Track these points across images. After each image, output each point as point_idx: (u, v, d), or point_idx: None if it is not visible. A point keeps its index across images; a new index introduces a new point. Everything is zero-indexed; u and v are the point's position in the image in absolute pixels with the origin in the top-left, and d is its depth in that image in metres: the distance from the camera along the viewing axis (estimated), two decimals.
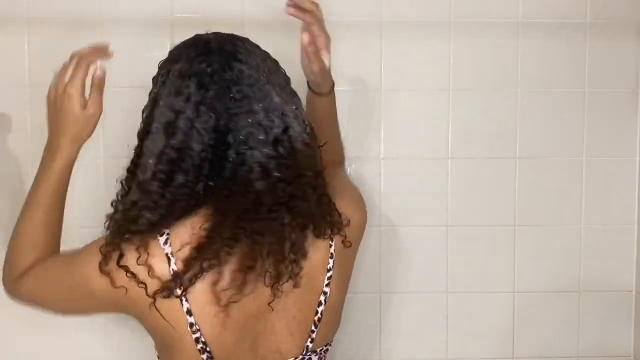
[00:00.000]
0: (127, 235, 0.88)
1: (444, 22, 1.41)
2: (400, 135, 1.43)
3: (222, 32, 0.99)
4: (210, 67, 0.91)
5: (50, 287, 0.97)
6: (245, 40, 0.98)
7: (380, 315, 1.46)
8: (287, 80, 0.99)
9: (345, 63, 1.40)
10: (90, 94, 0.99)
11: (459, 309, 1.47)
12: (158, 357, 1.00)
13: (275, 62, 1.00)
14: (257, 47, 0.99)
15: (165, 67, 0.96)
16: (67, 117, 0.98)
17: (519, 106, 1.44)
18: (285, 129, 0.91)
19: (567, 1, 1.42)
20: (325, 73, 1.12)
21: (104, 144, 1.38)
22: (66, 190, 1.01)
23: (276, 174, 0.89)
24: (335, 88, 1.37)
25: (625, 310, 1.49)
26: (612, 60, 1.44)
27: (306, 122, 0.96)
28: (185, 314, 0.88)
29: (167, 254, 0.88)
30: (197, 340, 0.90)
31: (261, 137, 0.89)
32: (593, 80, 1.44)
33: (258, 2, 1.38)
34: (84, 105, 0.99)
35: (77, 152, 1.01)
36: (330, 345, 1.05)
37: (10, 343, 1.41)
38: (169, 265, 0.87)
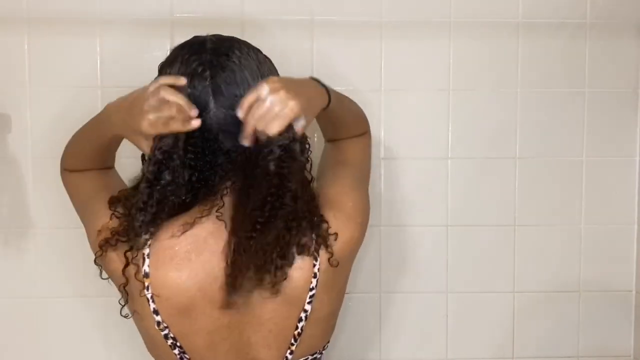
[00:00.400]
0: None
1: (444, 22, 1.41)
2: (400, 135, 1.43)
3: (223, 34, 0.99)
4: (202, 67, 0.91)
5: (75, 196, 1.09)
6: (243, 43, 0.98)
7: (380, 315, 1.46)
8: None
9: (345, 63, 1.40)
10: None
11: (459, 309, 1.46)
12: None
13: (273, 68, 0.99)
14: (256, 50, 0.99)
15: (163, 69, 0.97)
16: (127, 116, 0.93)
17: (519, 106, 1.44)
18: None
19: (567, 1, 1.42)
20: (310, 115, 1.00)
21: None
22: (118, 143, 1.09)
23: (249, 180, 0.89)
24: (336, 88, 1.37)
25: (625, 310, 1.49)
26: (612, 60, 1.44)
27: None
28: (152, 313, 0.92)
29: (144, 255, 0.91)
30: (166, 336, 0.93)
31: None
32: (593, 80, 1.44)
33: (258, 2, 1.38)
34: (146, 126, 0.90)
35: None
36: (321, 352, 1.03)
37: (11, 343, 1.41)
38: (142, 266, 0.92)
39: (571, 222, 1.46)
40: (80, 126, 1.11)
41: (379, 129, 1.42)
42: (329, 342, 1.05)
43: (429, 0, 1.40)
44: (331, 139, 1.16)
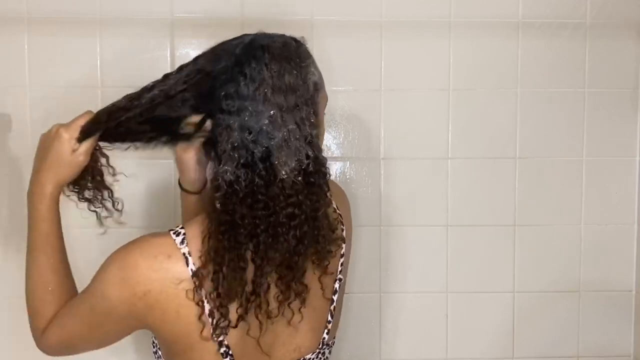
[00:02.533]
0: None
1: (444, 22, 1.41)
2: (400, 135, 1.43)
3: (272, 33, 0.92)
4: (214, 72, 0.88)
5: (76, 325, 0.95)
6: (276, 49, 0.88)
7: (380, 315, 1.46)
8: (302, 102, 0.87)
9: (345, 63, 1.40)
10: (82, 142, 0.94)
11: (459, 309, 1.47)
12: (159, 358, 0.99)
13: (298, 82, 0.88)
14: (288, 59, 0.88)
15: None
16: (53, 157, 0.93)
17: (519, 106, 1.44)
18: (268, 155, 0.85)
19: (567, 1, 1.42)
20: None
21: None
22: (60, 231, 0.98)
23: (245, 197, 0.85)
24: (336, 88, 1.38)
25: (625, 310, 1.49)
26: (612, 60, 1.44)
27: (310, 152, 0.87)
28: (207, 316, 0.87)
29: (184, 254, 0.86)
30: (220, 343, 0.88)
31: (234, 154, 0.85)
32: (593, 80, 1.44)
33: (258, 2, 1.38)
34: (74, 150, 0.93)
35: (59, 193, 0.96)
36: (333, 344, 1.06)
37: (11, 343, 1.41)
38: (187, 266, 0.86)
39: (571, 222, 1.46)
40: None
41: (379, 129, 1.42)
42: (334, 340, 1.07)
43: (429, 0, 1.40)
44: None
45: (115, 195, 0.98)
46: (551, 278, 1.47)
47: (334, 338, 1.05)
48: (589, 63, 1.43)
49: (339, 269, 1.00)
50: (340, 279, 1.00)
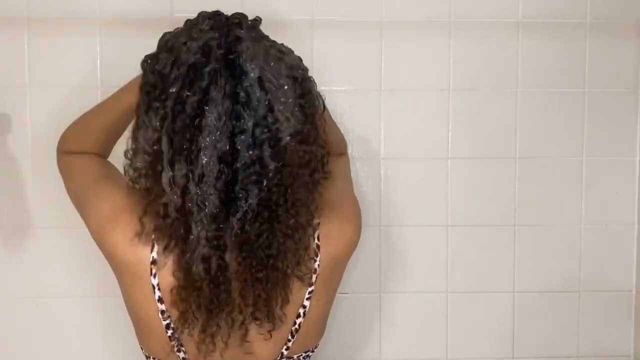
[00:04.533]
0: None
1: (444, 22, 1.41)
2: (400, 135, 1.43)
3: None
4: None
5: (74, 180, 1.05)
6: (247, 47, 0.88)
7: (380, 315, 1.46)
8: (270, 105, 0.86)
9: (345, 63, 1.40)
10: None
11: (459, 309, 1.47)
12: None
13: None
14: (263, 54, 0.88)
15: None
16: None
17: (519, 106, 1.44)
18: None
19: (567, 1, 1.42)
20: None
21: None
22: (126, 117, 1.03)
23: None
24: (336, 88, 1.38)
25: (625, 310, 1.49)
26: (612, 60, 1.44)
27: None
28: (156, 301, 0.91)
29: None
30: (167, 326, 0.92)
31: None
32: (593, 80, 1.44)
33: (258, 2, 1.38)
34: None
35: None
36: (312, 351, 1.03)
37: (11, 343, 1.41)
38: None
39: (571, 222, 1.46)
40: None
41: (379, 129, 1.42)
42: (318, 344, 1.05)
43: (429, 0, 1.40)
44: None
45: None
46: (551, 278, 1.47)
47: (311, 351, 1.03)
48: (589, 63, 1.43)
49: (306, 295, 0.95)
50: (304, 306, 0.95)
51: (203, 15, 0.91)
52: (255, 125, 0.84)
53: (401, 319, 1.46)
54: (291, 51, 0.92)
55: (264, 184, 0.84)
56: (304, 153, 0.88)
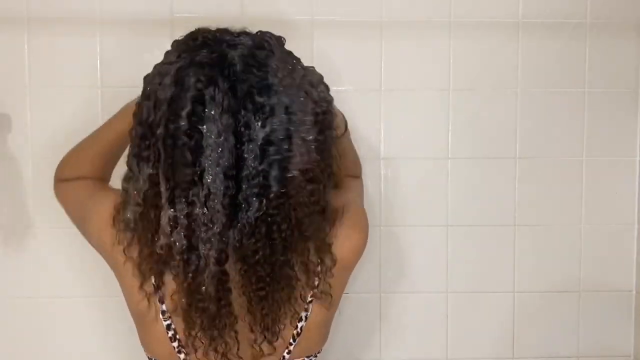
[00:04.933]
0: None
1: (444, 22, 1.41)
2: (400, 135, 1.43)
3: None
4: None
5: (72, 202, 1.07)
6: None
7: (380, 315, 1.46)
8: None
9: (345, 63, 1.40)
10: None
11: (459, 309, 1.47)
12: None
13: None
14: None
15: None
16: None
17: (519, 106, 1.44)
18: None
19: (567, 1, 1.42)
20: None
21: None
22: (121, 143, 1.05)
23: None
24: (336, 88, 1.37)
25: (625, 310, 1.49)
26: (612, 60, 1.44)
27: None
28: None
29: None
30: (168, 327, 0.92)
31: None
32: (593, 80, 1.44)
33: (258, 2, 1.38)
34: None
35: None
36: (315, 356, 1.03)
37: (11, 343, 1.41)
38: None
39: (571, 222, 1.46)
40: (80, 133, 1.12)
41: (379, 129, 1.42)
42: (321, 350, 1.05)
43: (429, 0, 1.40)
44: None
45: None
46: (551, 278, 1.47)
47: (313, 356, 1.03)
48: (589, 63, 1.43)
49: (308, 299, 0.95)
50: (306, 309, 0.95)
51: (176, 41, 0.92)
52: (268, 142, 0.83)
53: (401, 319, 1.46)
54: (320, 81, 0.93)
55: (263, 203, 0.84)
56: (310, 192, 0.88)
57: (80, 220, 1.02)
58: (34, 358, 1.42)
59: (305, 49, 1.39)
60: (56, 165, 1.14)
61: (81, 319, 1.41)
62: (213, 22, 1.06)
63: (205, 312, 0.88)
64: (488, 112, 1.44)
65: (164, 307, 0.92)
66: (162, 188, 0.84)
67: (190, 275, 0.86)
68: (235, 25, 1.36)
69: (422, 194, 1.44)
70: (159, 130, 0.84)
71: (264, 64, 0.85)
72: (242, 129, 0.82)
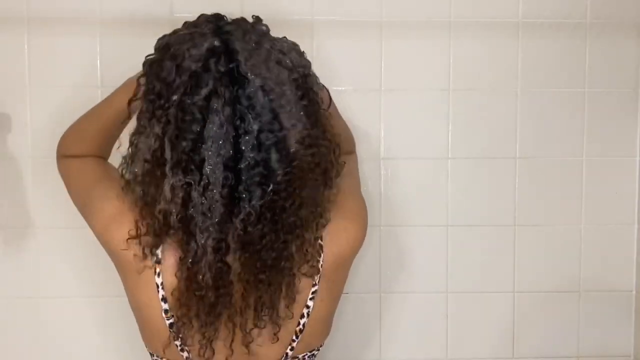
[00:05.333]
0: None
1: (444, 22, 1.41)
2: (400, 135, 1.43)
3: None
4: None
5: (76, 183, 1.05)
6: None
7: (380, 315, 1.46)
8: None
9: (345, 63, 1.40)
10: None
11: (459, 309, 1.47)
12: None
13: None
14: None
15: None
16: None
17: (519, 106, 1.44)
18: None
19: (567, 1, 1.42)
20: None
21: None
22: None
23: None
24: (336, 88, 1.38)
25: (625, 310, 1.49)
26: (612, 60, 1.44)
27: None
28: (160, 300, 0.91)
29: None
30: (171, 325, 0.92)
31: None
32: (593, 80, 1.44)
33: (258, 2, 1.38)
34: None
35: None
36: (317, 350, 1.03)
37: (11, 343, 1.41)
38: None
39: (571, 222, 1.46)
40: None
41: (379, 129, 1.42)
42: (323, 344, 1.05)
43: (429, 0, 1.40)
44: None
45: None
46: (551, 278, 1.47)
47: (316, 350, 1.03)
48: (589, 63, 1.43)
49: (309, 295, 0.95)
50: (307, 306, 0.95)
51: (204, 18, 0.91)
52: (260, 130, 0.83)
53: (401, 319, 1.46)
54: (292, 48, 0.92)
55: (270, 187, 0.84)
56: (312, 156, 0.87)
57: (83, 207, 1.01)
58: (34, 358, 1.42)
59: (305, 49, 1.38)
60: (56, 165, 1.14)
61: (81, 319, 1.41)
62: None
63: (200, 299, 0.88)
64: (488, 112, 1.44)
65: (166, 306, 0.92)
66: (167, 155, 0.84)
67: (189, 261, 0.87)
68: None
69: (422, 194, 1.44)
70: (175, 97, 0.84)
71: (236, 51, 0.86)
72: (239, 121, 0.83)
